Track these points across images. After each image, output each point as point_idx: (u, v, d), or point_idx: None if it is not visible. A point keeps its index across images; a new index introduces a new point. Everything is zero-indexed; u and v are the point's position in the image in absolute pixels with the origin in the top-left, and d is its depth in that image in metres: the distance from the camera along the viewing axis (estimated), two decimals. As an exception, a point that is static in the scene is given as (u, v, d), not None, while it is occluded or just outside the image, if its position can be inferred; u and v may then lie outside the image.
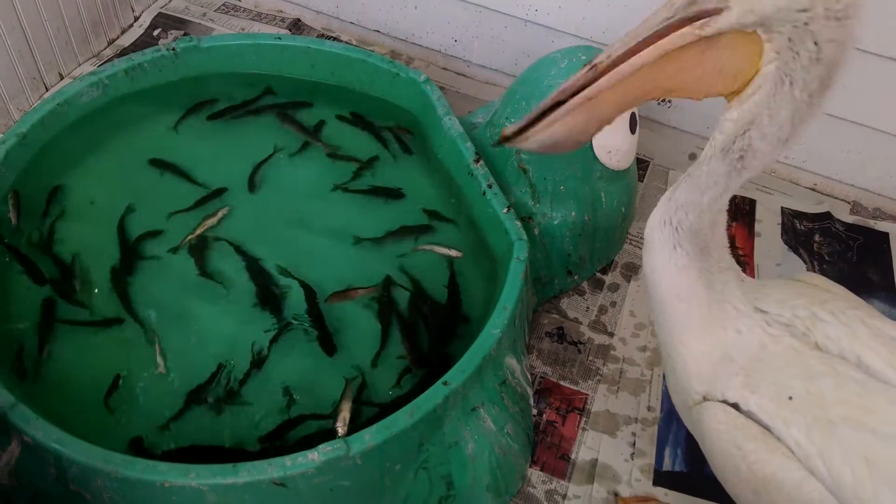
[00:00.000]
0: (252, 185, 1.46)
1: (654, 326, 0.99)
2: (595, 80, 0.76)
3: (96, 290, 1.28)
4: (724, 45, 0.75)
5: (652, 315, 0.98)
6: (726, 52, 0.75)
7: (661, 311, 0.94)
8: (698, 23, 0.73)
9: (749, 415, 0.85)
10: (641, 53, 0.75)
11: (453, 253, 1.38)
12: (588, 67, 0.77)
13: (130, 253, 1.33)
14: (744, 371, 0.87)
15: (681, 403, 0.97)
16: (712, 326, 0.90)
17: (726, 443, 0.85)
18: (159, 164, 1.46)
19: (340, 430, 1.12)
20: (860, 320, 0.86)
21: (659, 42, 0.74)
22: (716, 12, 0.72)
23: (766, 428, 0.84)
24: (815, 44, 0.72)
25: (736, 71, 0.76)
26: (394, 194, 1.47)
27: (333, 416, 1.15)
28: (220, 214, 1.39)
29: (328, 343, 1.25)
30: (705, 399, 0.90)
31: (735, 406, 0.86)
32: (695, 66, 0.76)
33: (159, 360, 1.20)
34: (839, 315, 0.87)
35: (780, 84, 0.76)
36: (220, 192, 1.43)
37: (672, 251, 0.89)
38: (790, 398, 0.82)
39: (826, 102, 0.77)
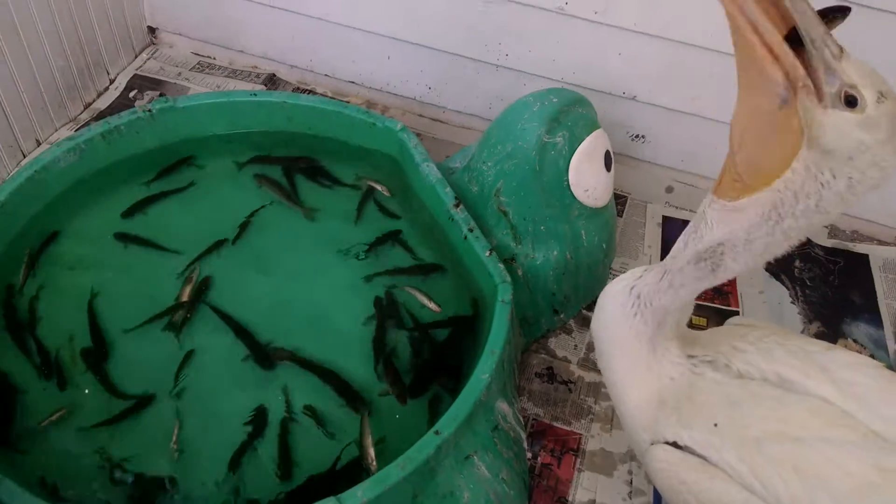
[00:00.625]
0: (233, 241, 1.46)
1: (602, 374, 1.03)
2: None
3: (86, 390, 1.24)
4: (788, 115, 0.70)
5: (598, 363, 1.03)
6: (780, 129, 0.71)
7: (606, 363, 1.00)
8: (799, 80, 0.68)
9: (686, 450, 0.89)
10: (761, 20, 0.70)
11: (432, 306, 1.38)
12: None
13: (99, 335, 1.30)
14: (676, 411, 0.92)
15: (636, 450, 1.02)
16: (649, 377, 0.96)
17: (671, 479, 0.90)
18: (125, 238, 1.44)
19: (373, 466, 1.14)
20: (776, 343, 0.92)
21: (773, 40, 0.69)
22: (821, 96, 0.68)
23: (703, 458, 0.88)
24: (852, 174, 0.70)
25: (791, 152, 0.72)
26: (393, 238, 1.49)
27: (361, 456, 1.16)
28: (194, 279, 1.37)
29: (351, 394, 1.25)
30: (652, 444, 0.95)
31: (674, 444, 0.91)
32: (757, 118, 0.74)
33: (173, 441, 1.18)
34: (757, 343, 0.93)
35: (782, 201, 0.75)
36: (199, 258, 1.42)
37: (631, 319, 0.95)
38: (715, 425, 0.87)
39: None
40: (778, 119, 0.71)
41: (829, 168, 0.71)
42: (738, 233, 0.80)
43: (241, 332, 1.31)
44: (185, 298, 1.34)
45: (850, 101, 0.67)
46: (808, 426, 0.83)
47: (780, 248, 0.80)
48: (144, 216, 1.48)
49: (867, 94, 0.67)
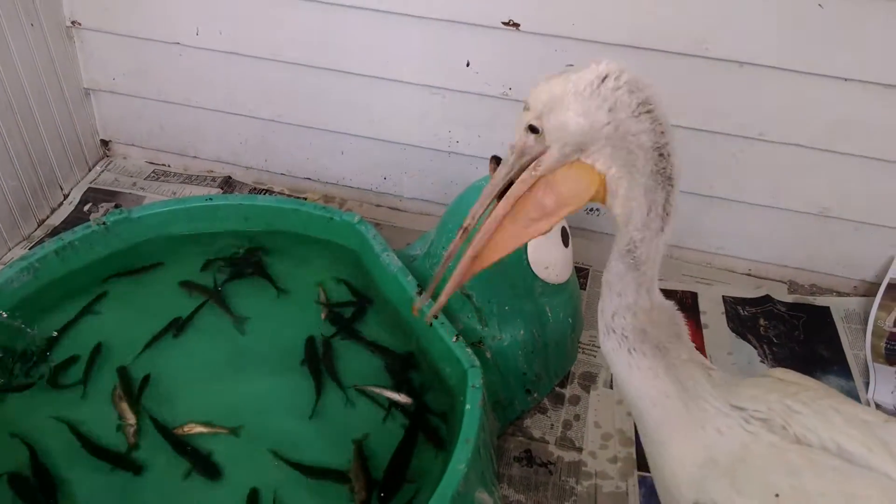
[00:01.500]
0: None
1: (639, 434, 0.98)
2: (471, 238, 0.89)
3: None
4: (563, 173, 0.85)
5: (636, 424, 0.97)
6: (569, 175, 0.85)
7: (639, 418, 0.94)
8: (531, 167, 0.85)
9: None
10: (498, 206, 0.87)
11: (402, 399, 1.35)
12: (460, 232, 0.90)
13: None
14: (728, 473, 0.86)
15: None
16: (692, 427, 0.89)
17: None
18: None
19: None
20: (832, 408, 0.87)
21: (508, 192, 0.86)
22: (542, 153, 0.84)
23: None
24: (634, 136, 0.81)
25: (587, 184, 0.85)
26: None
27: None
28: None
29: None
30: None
31: None
32: (549, 195, 0.86)
33: None
34: (811, 405, 0.88)
35: (629, 178, 0.83)
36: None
37: (629, 357, 0.90)
38: (777, 495, 0.82)
39: (679, 181, 0.84)
40: (555, 178, 0.86)
41: (609, 146, 0.82)
42: (628, 202, 0.85)
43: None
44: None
45: (534, 130, 0.84)
46: (869, 502, 0.79)
47: (665, 191, 0.84)
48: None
49: (532, 117, 0.84)
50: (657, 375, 0.89)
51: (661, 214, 0.85)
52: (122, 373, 1.37)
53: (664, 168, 0.83)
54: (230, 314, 1.50)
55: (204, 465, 1.24)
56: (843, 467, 0.82)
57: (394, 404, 1.34)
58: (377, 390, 1.36)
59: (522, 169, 0.86)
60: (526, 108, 0.84)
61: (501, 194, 0.88)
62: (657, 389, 0.90)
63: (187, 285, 1.54)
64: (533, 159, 0.85)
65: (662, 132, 0.81)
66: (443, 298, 0.95)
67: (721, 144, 1.65)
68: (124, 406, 1.31)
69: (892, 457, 0.82)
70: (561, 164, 0.84)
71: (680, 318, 0.93)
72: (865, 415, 0.87)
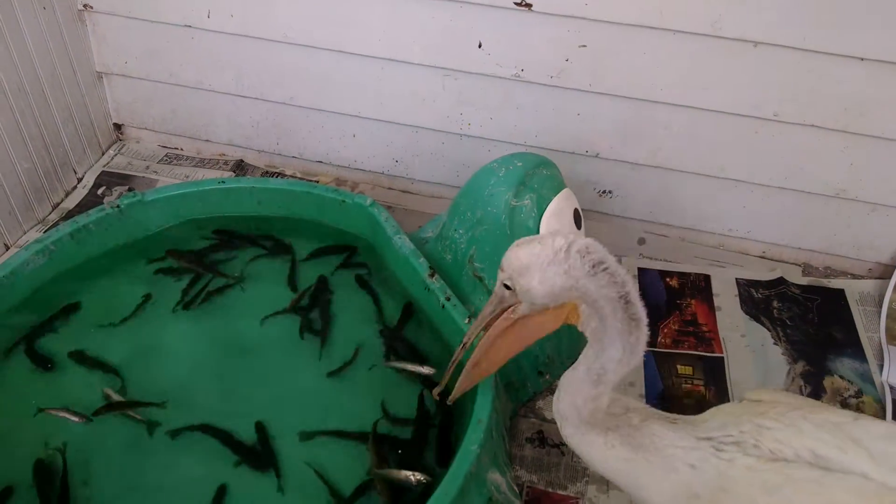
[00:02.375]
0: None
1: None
2: (472, 349, 1.06)
3: None
4: (540, 317, 0.98)
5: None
6: (541, 315, 0.98)
7: (613, 481, 1.02)
8: (509, 310, 0.99)
9: None
10: (487, 335, 1.02)
11: (425, 370, 1.35)
12: (460, 347, 1.08)
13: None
14: (712, 503, 0.89)
15: None
16: (663, 474, 0.94)
17: None
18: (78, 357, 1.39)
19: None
20: (802, 417, 0.90)
21: (494, 325, 1.01)
22: (517, 303, 0.97)
23: None
24: (596, 290, 0.91)
25: (560, 319, 0.97)
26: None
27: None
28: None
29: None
30: None
31: None
32: (527, 328, 1.00)
33: None
34: (781, 419, 0.90)
35: (598, 320, 0.94)
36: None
37: (584, 437, 1.00)
38: None
39: (645, 321, 0.93)
40: (529, 318, 0.99)
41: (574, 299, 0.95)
42: (599, 334, 0.95)
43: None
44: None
45: (508, 287, 0.96)
46: None
47: (634, 331, 0.93)
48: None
49: (506, 278, 0.96)
50: (613, 446, 0.98)
51: (632, 350, 0.94)
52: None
53: (633, 313, 0.92)
54: (223, 275, 1.52)
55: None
56: (820, 477, 0.84)
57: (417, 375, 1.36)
58: (403, 365, 1.37)
59: (503, 310, 0.99)
60: (501, 269, 0.96)
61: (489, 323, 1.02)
62: (616, 458, 0.98)
63: (175, 254, 1.55)
64: (510, 306, 0.98)
65: (622, 283, 0.91)
66: (456, 395, 1.13)
67: (735, 125, 1.63)
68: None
69: (866, 452, 0.84)
70: (531, 312, 0.97)
71: (624, 399, 1.03)
72: (835, 416, 0.89)
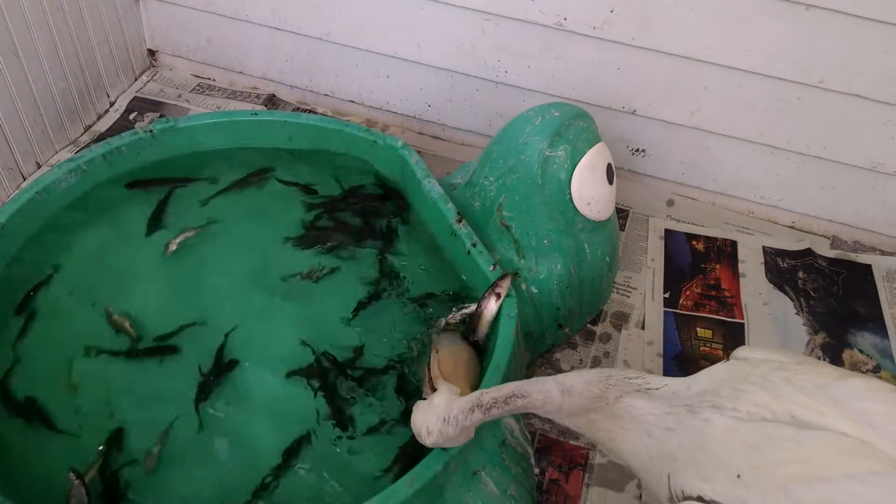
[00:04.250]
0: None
1: None
2: None
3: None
4: None
5: None
6: None
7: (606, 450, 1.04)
8: None
9: (713, 503, 0.86)
10: None
11: (469, 309, 1.33)
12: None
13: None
14: (692, 464, 0.89)
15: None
16: (640, 440, 0.95)
17: None
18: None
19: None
20: (783, 379, 0.89)
21: None
22: None
23: None
24: None
25: None
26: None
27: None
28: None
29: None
30: (670, 500, 0.91)
31: (699, 498, 0.87)
32: None
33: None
34: (762, 382, 0.89)
35: None
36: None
37: (566, 419, 1.00)
38: (738, 476, 0.84)
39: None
40: None
41: None
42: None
43: None
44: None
45: None
46: (831, 464, 0.80)
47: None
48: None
49: None
50: (592, 421, 0.98)
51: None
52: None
53: None
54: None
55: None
56: (795, 434, 0.83)
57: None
58: (457, 313, 1.35)
59: None
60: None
61: None
62: (597, 429, 0.98)
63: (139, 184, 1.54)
64: None
65: None
66: None
67: (777, 90, 1.60)
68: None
69: (845, 415, 0.83)
70: None
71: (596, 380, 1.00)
72: (819, 377, 0.88)
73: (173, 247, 1.42)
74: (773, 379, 0.89)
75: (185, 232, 1.44)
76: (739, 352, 1.01)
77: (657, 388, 0.98)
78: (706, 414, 0.89)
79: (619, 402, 0.97)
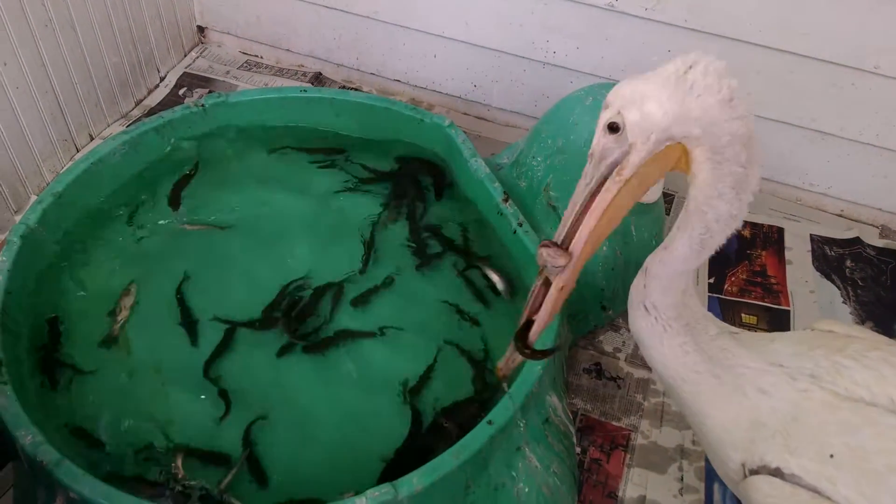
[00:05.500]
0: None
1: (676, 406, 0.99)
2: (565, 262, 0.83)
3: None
4: (648, 167, 0.80)
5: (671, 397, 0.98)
6: (654, 167, 0.81)
7: (671, 392, 0.96)
8: (614, 172, 0.80)
9: (793, 478, 0.83)
10: (586, 222, 0.82)
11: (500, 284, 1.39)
12: (539, 279, 0.86)
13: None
14: (780, 433, 0.86)
15: (724, 476, 0.96)
16: (730, 395, 0.90)
17: None
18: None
19: None
20: (883, 360, 0.86)
21: (593, 207, 0.81)
22: (624, 155, 0.79)
23: (814, 490, 0.82)
24: (726, 122, 0.78)
25: (665, 166, 0.82)
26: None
27: None
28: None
29: None
30: (744, 465, 0.89)
31: (777, 470, 0.85)
32: (637, 189, 0.82)
33: None
34: (861, 359, 0.86)
35: (713, 163, 0.80)
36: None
37: (663, 334, 0.91)
38: (831, 456, 0.81)
39: (758, 171, 0.82)
40: (639, 176, 0.81)
41: (696, 134, 0.79)
42: (708, 187, 0.82)
43: None
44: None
45: (614, 129, 0.80)
46: None
47: (746, 181, 0.82)
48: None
49: (612, 114, 0.80)
50: (687, 352, 0.90)
51: (741, 205, 0.83)
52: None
53: (753, 154, 0.81)
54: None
55: None
56: None
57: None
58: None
59: (604, 178, 0.81)
60: (605, 107, 0.80)
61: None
62: (686, 366, 0.91)
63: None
64: (615, 165, 0.80)
65: (750, 117, 0.79)
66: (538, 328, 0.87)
67: (831, 75, 1.57)
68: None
69: None
70: (644, 161, 0.79)
71: (693, 297, 0.93)
72: None
73: None
74: (872, 358, 0.86)
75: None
76: (822, 324, 0.97)
77: (737, 332, 0.94)
78: (803, 384, 0.86)
79: (716, 341, 0.91)
